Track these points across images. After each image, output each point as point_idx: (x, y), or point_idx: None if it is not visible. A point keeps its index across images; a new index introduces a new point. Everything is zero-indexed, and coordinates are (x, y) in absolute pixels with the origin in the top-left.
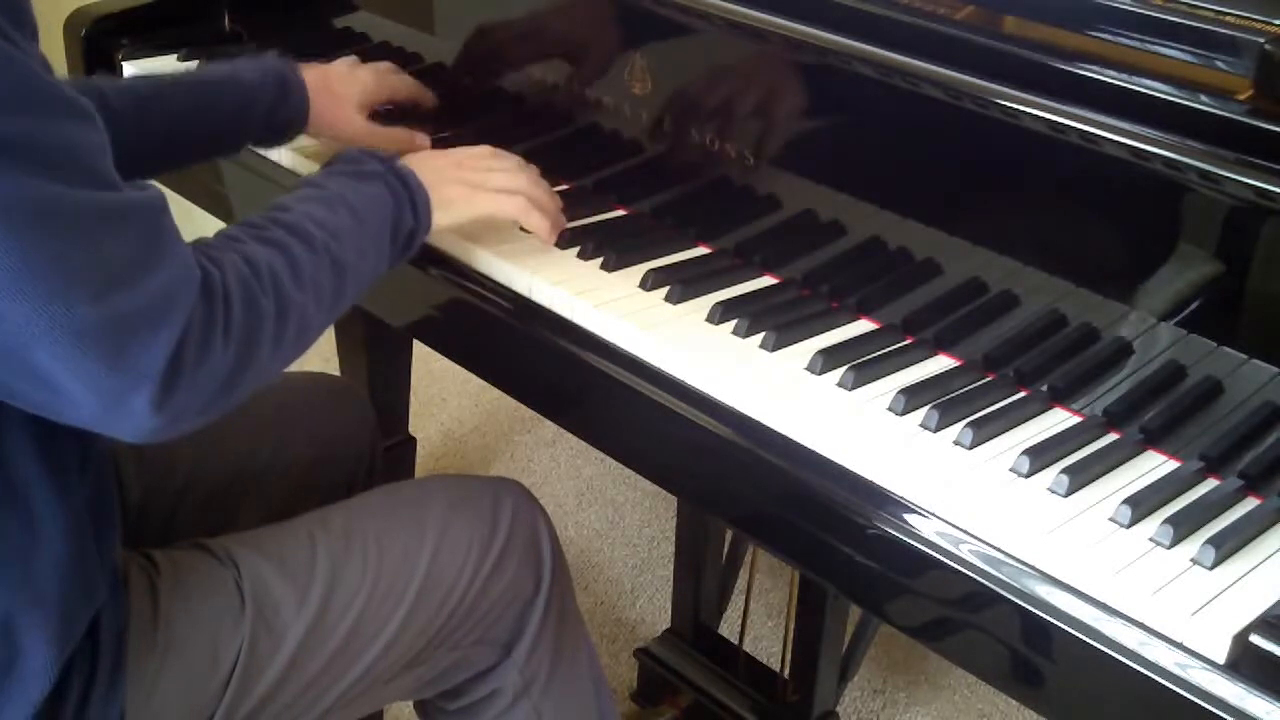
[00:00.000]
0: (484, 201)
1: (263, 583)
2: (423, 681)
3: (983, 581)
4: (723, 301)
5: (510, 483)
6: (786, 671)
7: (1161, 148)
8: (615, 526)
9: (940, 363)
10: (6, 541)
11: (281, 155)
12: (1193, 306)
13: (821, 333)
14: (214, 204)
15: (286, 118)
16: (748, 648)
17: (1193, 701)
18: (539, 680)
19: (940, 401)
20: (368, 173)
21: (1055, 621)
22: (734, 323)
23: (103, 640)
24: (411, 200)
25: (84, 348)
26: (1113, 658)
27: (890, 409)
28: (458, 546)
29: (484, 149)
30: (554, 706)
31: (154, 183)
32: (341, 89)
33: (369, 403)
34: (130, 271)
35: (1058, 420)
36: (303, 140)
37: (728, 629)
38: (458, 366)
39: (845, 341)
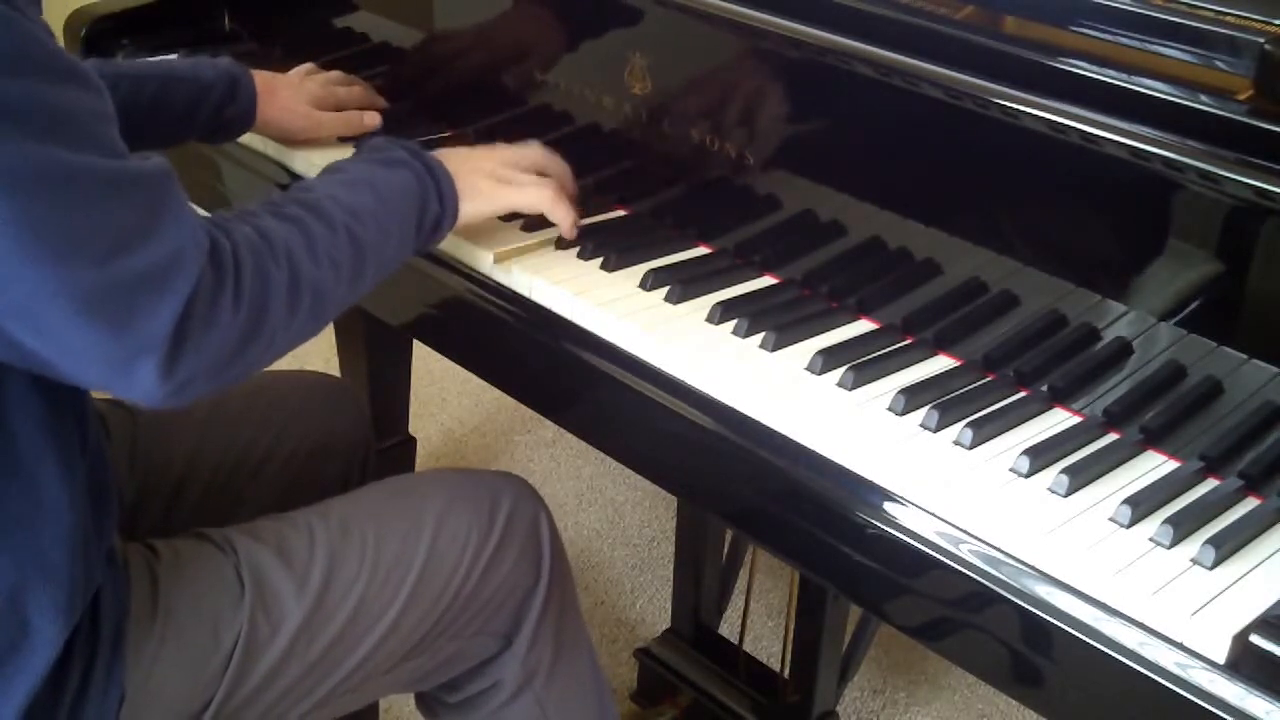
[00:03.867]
0: (511, 193)
1: (262, 569)
2: (422, 672)
3: (983, 581)
4: (723, 301)
5: (510, 476)
6: (786, 671)
7: (1161, 148)
8: (615, 526)
9: (940, 363)
10: (12, 511)
11: (283, 152)
12: (1193, 306)
13: (821, 333)
14: (213, 202)
15: (232, 116)
16: (748, 648)
17: (1193, 701)
18: (541, 672)
19: (940, 401)
20: (393, 159)
21: (1055, 621)
22: (734, 323)
23: (103, 623)
24: (438, 187)
25: (90, 312)
26: (1113, 658)
27: (890, 409)
28: (456, 537)
29: (510, 146)
30: (557, 698)
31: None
32: (288, 95)
33: (364, 402)
34: (135, 238)
35: (1058, 420)
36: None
37: (728, 629)
38: (458, 366)
39: (845, 341)
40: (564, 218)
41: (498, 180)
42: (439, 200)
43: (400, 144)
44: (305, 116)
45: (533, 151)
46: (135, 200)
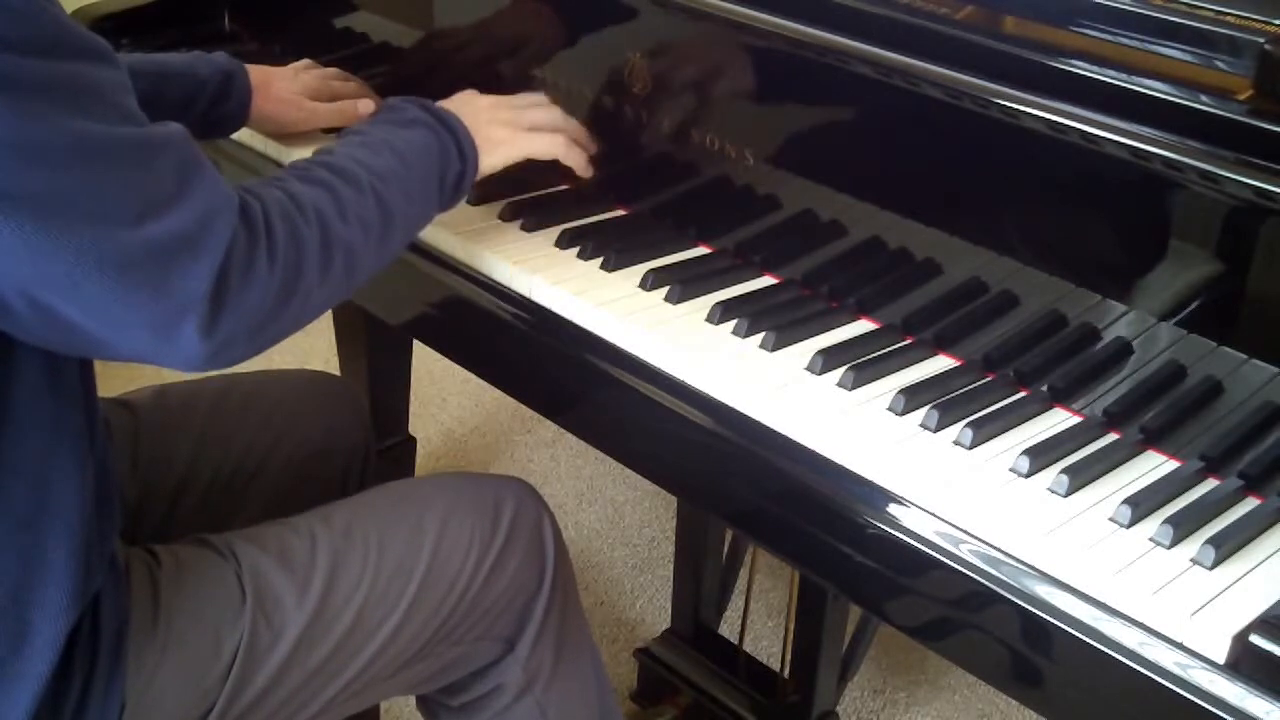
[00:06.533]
0: (526, 141)
1: (263, 576)
2: (425, 676)
3: (983, 581)
4: (723, 301)
5: (513, 480)
6: (786, 671)
7: (1161, 148)
8: (615, 526)
9: (940, 363)
10: (18, 511)
11: (280, 150)
12: (1193, 306)
13: (821, 333)
14: None
15: (225, 113)
16: (748, 648)
17: (1193, 701)
18: (542, 676)
19: (940, 401)
20: (411, 119)
21: (1055, 621)
22: (734, 323)
23: (103, 630)
24: (458, 144)
25: (130, 276)
26: (1113, 658)
27: (890, 409)
28: (459, 543)
29: (517, 96)
30: (558, 702)
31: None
32: (283, 87)
33: (363, 400)
34: (167, 201)
35: (1058, 420)
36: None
37: (728, 629)
38: (458, 366)
39: (845, 341)
40: (578, 161)
41: (513, 128)
42: (460, 156)
43: (415, 102)
44: (299, 107)
45: (537, 98)
46: (164, 164)
